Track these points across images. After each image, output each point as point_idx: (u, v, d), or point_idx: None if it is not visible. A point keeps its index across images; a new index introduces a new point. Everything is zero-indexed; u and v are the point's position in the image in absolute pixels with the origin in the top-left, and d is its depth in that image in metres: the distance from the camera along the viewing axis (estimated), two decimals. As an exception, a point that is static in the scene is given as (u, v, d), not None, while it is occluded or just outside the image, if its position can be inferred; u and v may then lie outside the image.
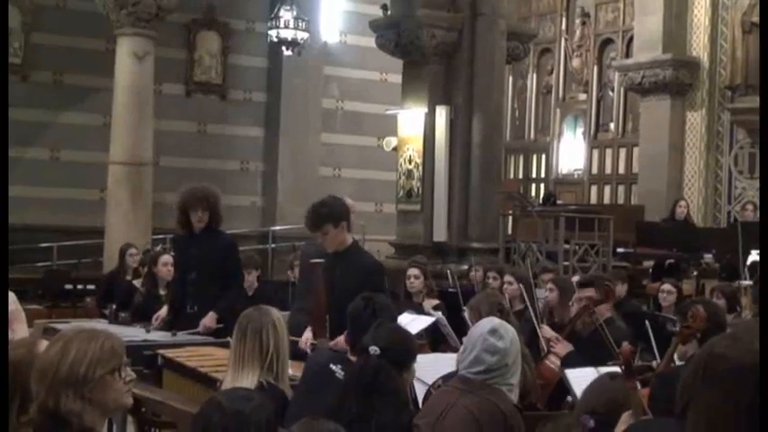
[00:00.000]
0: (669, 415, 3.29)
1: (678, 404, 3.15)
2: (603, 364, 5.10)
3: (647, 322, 6.60)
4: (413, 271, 8.29)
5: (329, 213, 6.10)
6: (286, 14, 16.71)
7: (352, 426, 3.76)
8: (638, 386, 3.63)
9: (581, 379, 5.09)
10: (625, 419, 3.45)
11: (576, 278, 8.00)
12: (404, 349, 4.19)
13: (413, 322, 6.21)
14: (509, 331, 4.21)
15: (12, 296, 5.33)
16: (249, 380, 4.19)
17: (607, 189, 18.93)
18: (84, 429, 2.89)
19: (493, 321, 4.27)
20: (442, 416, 3.98)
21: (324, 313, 5.37)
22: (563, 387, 5.48)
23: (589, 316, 6.30)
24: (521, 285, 7.73)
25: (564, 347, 6.03)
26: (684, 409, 3.07)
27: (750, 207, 15.45)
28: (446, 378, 4.98)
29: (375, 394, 4.05)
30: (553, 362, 5.99)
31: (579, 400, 3.88)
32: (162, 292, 8.97)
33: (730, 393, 2.93)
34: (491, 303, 5.72)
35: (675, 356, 5.08)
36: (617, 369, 4.41)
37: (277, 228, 18.16)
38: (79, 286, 13.09)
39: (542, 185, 20.02)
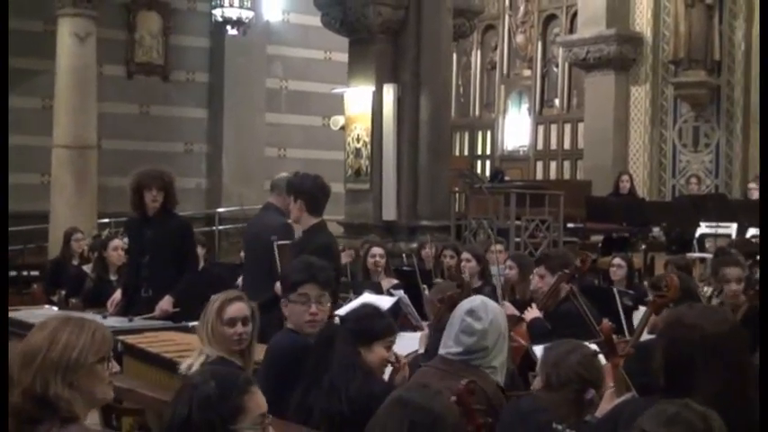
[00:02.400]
0: (646, 388, 3.30)
1: (660, 379, 3.16)
2: (565, 336, 5.07)
3: (617, 296, 6.63)
4: (377, 250, 8.26)
5: (291, 185, 6.24)
6: (230, -7, 16.54)
7: (324, 397, 3.78)
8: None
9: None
10: (608, 397, 3.44)
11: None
12: (358, 325, 4.20)
13: (375, 302, 6.14)
14: (490, 312, 4.12)
15: None
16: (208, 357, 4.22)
17: (553, 165, 19.01)
18: (72, 417, 2.81)
19: (473, 301, 4.21)
20: None
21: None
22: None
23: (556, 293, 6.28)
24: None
25: (532, 313, 6.02)
26: (672, 384, 3.08)
27: (694, 180, 15.62)
28: (423, 357, 4.97)
29: (333, 360, 4.10)
30: (524, 328, 5.99)
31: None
32: (113, 277, 8.85)
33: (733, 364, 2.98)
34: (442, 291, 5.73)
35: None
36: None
37: (223, 209, 18.01)
38: (24, 273, 12.85)
39: (488, 162, 20.04)
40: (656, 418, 2.44)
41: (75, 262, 10.61)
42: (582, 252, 8.11)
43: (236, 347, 4.33)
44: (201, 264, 9.12)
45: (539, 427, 3.66)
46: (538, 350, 5.13)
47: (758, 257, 8.67)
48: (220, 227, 17.24)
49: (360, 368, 4.09)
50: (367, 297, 6.54)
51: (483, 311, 4.10)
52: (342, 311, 5.12)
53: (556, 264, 6.44)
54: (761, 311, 2.87)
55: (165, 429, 2.63)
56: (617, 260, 8.76)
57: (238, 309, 4.34)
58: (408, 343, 5.61)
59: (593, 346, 4.03)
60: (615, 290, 7.32)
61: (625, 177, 14.30)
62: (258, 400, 2.67)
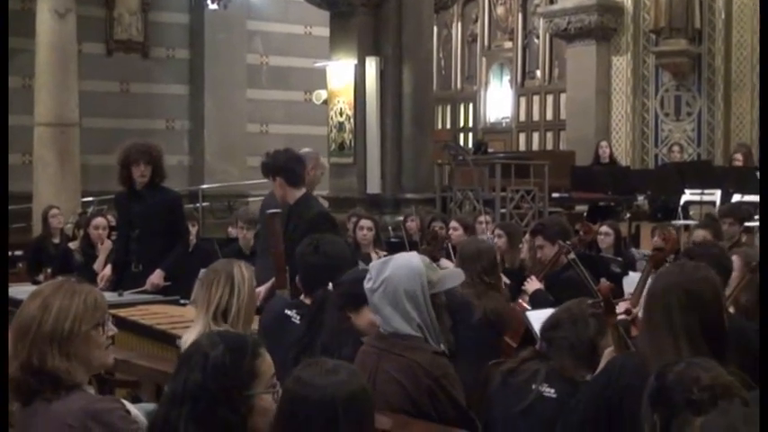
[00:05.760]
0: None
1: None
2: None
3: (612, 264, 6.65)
4: (365, 223, 8.24)
5: (265, 165, 6.18)
6: (210, -33, 16.44)
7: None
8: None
9: (541, 320, 5.09)
10: (607, 356, 3.47)
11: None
12: (348, 289, 4.14)
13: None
14: (386, 271, 3.81)
15: None
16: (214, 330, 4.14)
17: (535, 136, 19.01)
18: (74, 385, 2.79)
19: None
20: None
21: (284, 264, 5.31)
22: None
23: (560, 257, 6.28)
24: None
25: (533, 285, 6.01)
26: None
27: (676, 149, 15.66)
28: None
29: (325, 324, 4.11)
30: (525, 300, 5.98)
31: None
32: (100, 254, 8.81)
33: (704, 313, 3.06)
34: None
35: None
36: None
37: (205, 186, 17.93)
38: (9, 253, 12.75)
39: (470, 135, 20.03)
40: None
41: (55, 240, 10.57)
42: (584, 223, 8.11)
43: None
44: (193, 241, 9.09)
45: (518, 387, 3.75)
46: (533, 317, 5.15)
47: (749, 224, 8.72)
48: (204, 203, 17.16)
49: (350, 332, 4.07)
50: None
51: (375, 270, 3.85)
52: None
53: (553, 233, 6.44)
54: (761, 307, 2.92)
55: (172, 396, 2.57)
56: (605, 228, 8.76)
57: None
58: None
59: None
60: (593, 261, 7.35)
61: (604, 144, 14.37)
62: (268, 363, 2.63)
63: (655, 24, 15.92)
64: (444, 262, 7.15)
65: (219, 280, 4.07)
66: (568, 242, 6.34)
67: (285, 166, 6.19)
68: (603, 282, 3.96)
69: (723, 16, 15.47)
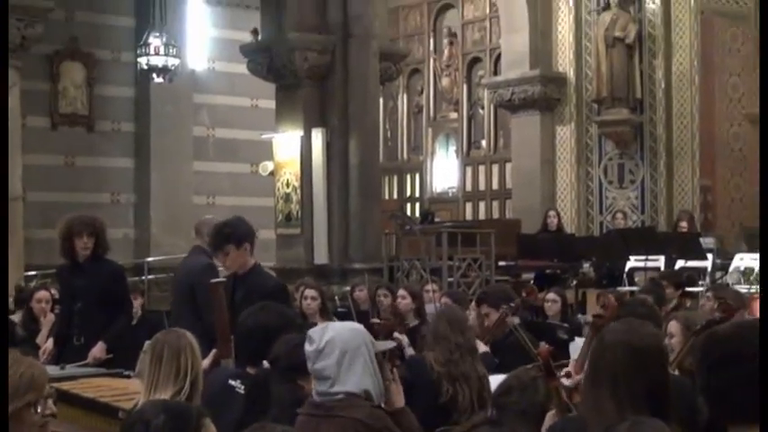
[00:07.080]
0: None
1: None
2: (513, 368, 5.08)
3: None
4: (309, 292, 8.23)
5: (231, 234, 6.04)
6: (155, 41, 16.45)
7: None
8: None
9: (493, 385, 5.10)
10: (549, 420, 3.48)
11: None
12: (292, 359, 4.11)
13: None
14: (327, 333, 3.83)
15: None
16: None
17: (482, 205, 19.17)
18: None
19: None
20: None
21: (229, 334, 5.25)
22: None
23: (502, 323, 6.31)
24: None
25: (479, 349, 6.00)
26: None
27: (620, 216, 15.80)
28: None
29: (270, 404, 4.06)
30: None
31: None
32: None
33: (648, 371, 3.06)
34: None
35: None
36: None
37: (151, 259, 17.80)
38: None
39: (417, 205, 20.15)
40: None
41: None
42: (528, 286, 8.19)
43: None
44: (138, 313, 9.00)
45: None
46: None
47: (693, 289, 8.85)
48: (150, 276, 17.01)
49: (299, 404, 4.01)
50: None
51: (318, 334, 3.84)
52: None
53: (497, 298, 6.48)
54: (761, 313, 2.92)
55: None
56: (551, 295, 8.83)
57: None
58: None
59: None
60: (540, 328, 7.40)
61: (552, 213, 14.44)
62: None
63: (597, 94, 16.15)
64: (396, 335, 7.11)
65: (165, 351, 3.99)
66: (511, 304, 6.37)
67: (249, 232, 6.14)
68: (543, 345, 3.98)
69: (663, 86, 15.73)
